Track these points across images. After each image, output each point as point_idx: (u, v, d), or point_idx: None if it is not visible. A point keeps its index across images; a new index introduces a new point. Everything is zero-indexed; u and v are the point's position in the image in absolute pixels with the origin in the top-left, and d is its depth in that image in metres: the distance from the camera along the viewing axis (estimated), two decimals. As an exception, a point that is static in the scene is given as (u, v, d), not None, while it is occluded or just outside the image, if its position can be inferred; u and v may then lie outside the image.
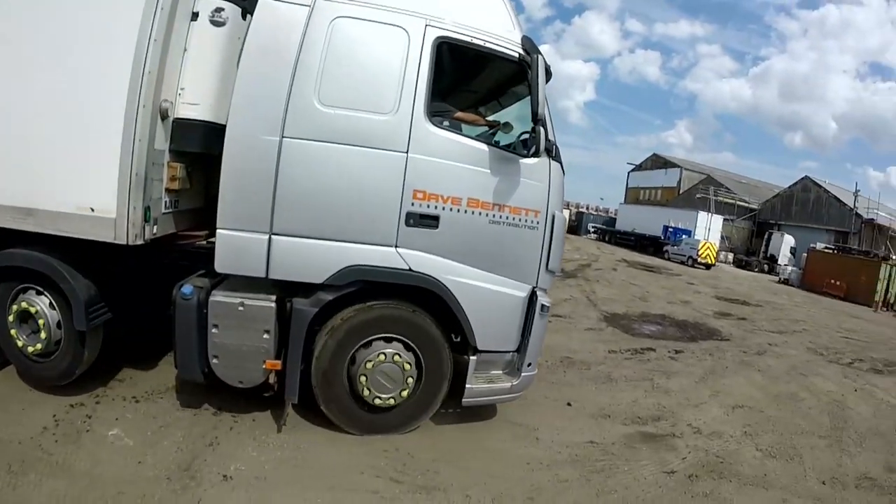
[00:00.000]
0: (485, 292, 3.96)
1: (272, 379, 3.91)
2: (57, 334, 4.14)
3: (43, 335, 4.11)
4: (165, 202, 4.02)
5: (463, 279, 3.90)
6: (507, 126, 4.48)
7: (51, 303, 4.12)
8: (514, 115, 4.88)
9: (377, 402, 3.96)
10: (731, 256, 41.33)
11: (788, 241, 37.71)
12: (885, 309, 23.90)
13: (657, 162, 63.79)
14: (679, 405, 5.85)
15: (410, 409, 4.14)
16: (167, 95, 3.87)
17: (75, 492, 3.17)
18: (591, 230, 50.45)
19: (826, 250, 32.46)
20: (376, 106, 3.75)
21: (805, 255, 32.24)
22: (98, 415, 4.07)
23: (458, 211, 3.86)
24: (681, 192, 54.65)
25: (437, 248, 3.86)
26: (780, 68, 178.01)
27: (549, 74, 4.15)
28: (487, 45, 3.94)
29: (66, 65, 3.81)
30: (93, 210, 3.75)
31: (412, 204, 3.79)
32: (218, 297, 3.80)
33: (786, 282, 30.89)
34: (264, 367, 3.82)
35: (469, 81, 5.12)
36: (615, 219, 51.20)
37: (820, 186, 43.32)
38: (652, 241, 39.28)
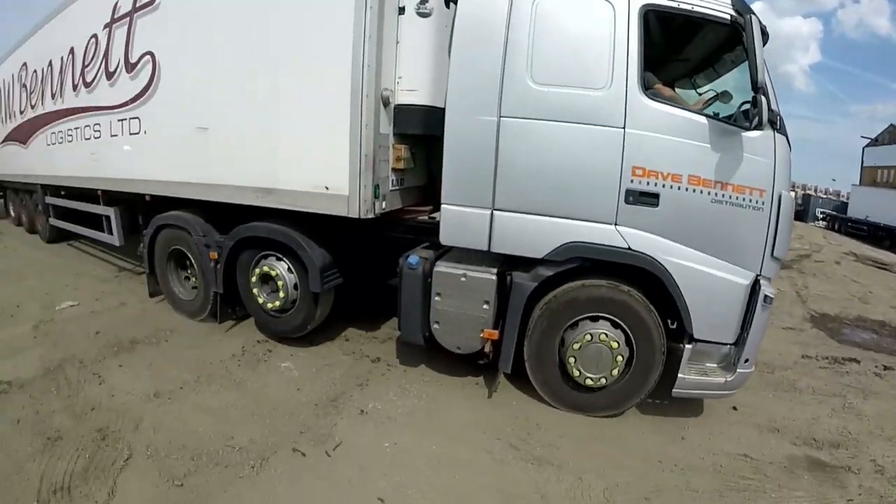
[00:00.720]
0: (705, 277, 3.80)
1: (488, 348, 4.15)
2: (293, 294, 4.94)
3: (281, 294, 4.95)
4: (392, 180, 4.47)
5: (683, 261, 3.79)
6: (725, 95, 4.22)
7: (289, 268, 4.92)
8: (731, 84, 4.58)
9: (588, 381, 4.04)
10: None
11: None
12: None
13: (896, 134, 54.20)
14: (868, 433, 4.60)
15: (618, 393, 4.14)
16: (387, 84, 4.29)
17: (242, 403, 4.22)
18: (820, 216, 44.22)
19: None
20: (589, 81, 3.75)
21: None
22: (277, 350, 5.11)
23: (679, 189, 3.73)
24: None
25: (657, 227, 3.78)
26: None
27: (765, 36, 3.82)
28: (696, 9, 3.74)
29: (301, 64, 4.43)
30: (327, 188, 4.29)
31: (631, 181, 3.75)
32: (442, 267, 4.16)
33: None
34: (482, 336, 4.09)
35: (681, 50, 4.85)
36: (847, 203, 43.92)
37: None
38: (889, 233, 33.43)
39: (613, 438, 4.02)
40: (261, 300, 5.09)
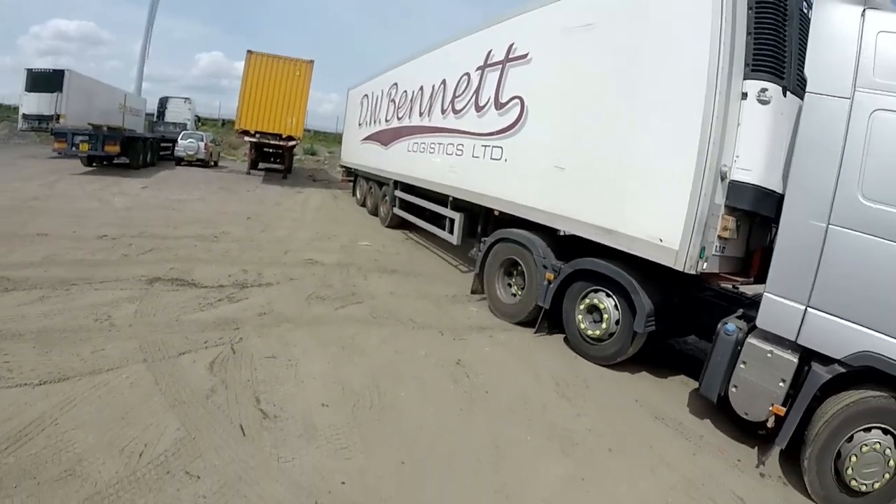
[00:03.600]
0: None
1: (771, 423, 4.71)
2: (613, 328, 6.11)
3: (603, 326, 6.17)
4: (716, 246, 5.39)
5: None
6: None
7: (615, 304, 6.10)
8: None
9: (862, 487, 4.22)
10: None
11: None
12: None
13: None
14: None
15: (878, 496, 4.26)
16: (725, 161, 5.22)
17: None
18: None
19: None
20: None
21: None
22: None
23: None
24: None
25: None
26: None
27: None
28: None
29: (653, 134, 5.65)
30: (661, 240, 5.43)
31: None
32: (754, 341, 4.85)
33: None
34: (770, 409, 4.67)
35: None
36: None
37: None
38: None
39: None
40: (583, 326, 6.41)
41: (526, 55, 7.83)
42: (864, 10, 4.27)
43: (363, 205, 17.89)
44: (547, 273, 6.81)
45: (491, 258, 8.15)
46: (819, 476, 4.39)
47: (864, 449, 4.21)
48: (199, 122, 37.80)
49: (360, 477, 3.64)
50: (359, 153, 17.64)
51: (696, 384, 5.53)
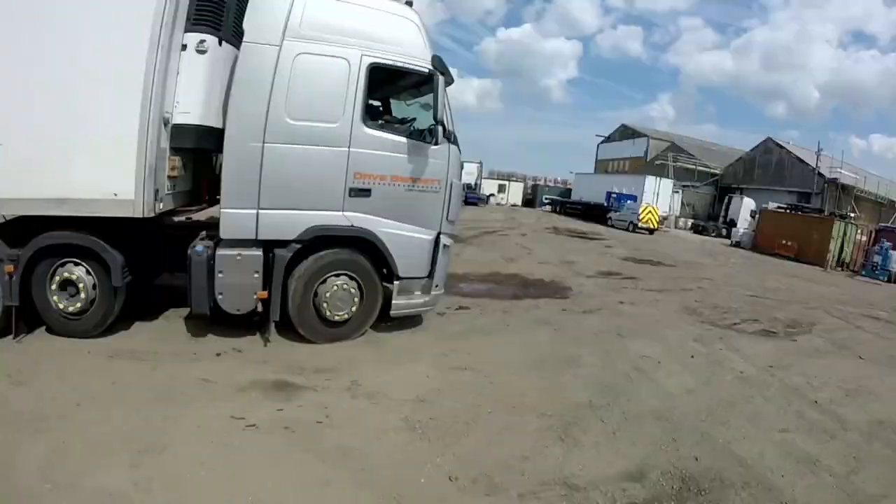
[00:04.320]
0: (404, 237, 6.25)
1: (260, 307, 6.07)
2: (92, 294, 5.96)
3: (82, 296, 5.93)
4: (167, 186, 5.90)
5: (388, 229, 6.16)
6: (414, 121, 6.69)
7: (87, 270, 5.95)
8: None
9: (336, 318, 6.22)
10: (689, 223, 43.76)
11: (748, 204, 39.08)
12: (838, 269, 25.03)
13: (625, 133, 67.17)
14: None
15: (358, 321, 6.39)
16: (167, 108, 5.71)
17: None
18: (546, 202, 53.00)
19: (778, 210, 33.80)
20: (328, 117, 5.89)
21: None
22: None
23: (384, 184, 6.09)
24: (647, 160, 57.49)
25: (370, 210, 6.08)
26: (762, 39, 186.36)
27: (451, 81, 6.51)
28: (407, 65, 6.14)
29: (96, 88, 5.57)
30: (116, 195, 5.56)
31: (353, 182, 5.99)
32: (223, 251, 5.86)
33: (737, 244, 32.49)
34: (255, 297, 5.95)
35: (395, 87, 7.32)
36: (571, 189, 53.59)
37: (782, 148, 45.57)
38: (598, 209, 40.97)
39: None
40: (61, 305, 5.94)
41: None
42: None
43: None
44: (6, 266, 6.05)
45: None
46: (303, 316, 6.18)
47: (334, 289, 6.16)
48: None
49: None
50: None
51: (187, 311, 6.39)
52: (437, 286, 6.67)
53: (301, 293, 6.07)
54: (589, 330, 8.40)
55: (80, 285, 5.94)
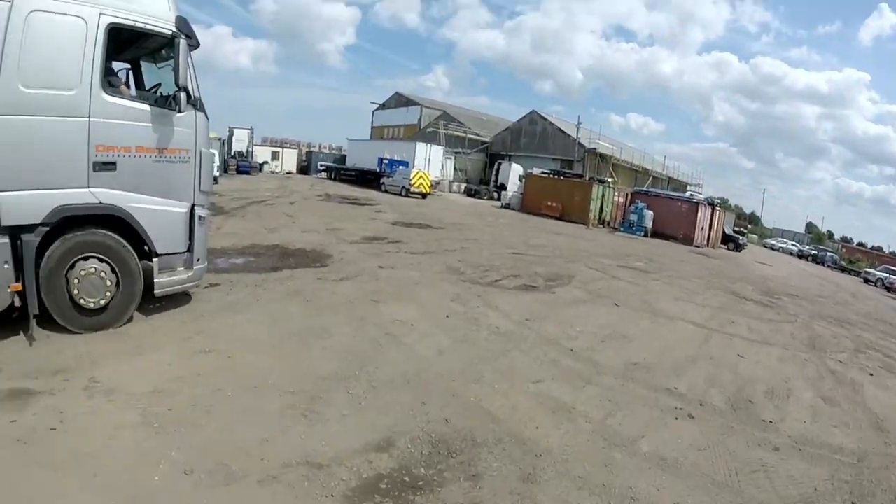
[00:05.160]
0: (157, 212, 6.12)
1: (17, 301, 5.44)
2: None
3: None
4: None
5: (139, 204, 5.98)
6: (160, 87, 6.66)
7: None
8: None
9: (90, 305, 5.81)
10: (463, 187, 47.24)
11: (517, 169, 43.33)
12: (600, 226, 29.03)
13: (400, 101, 69.46)
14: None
15: (119, 306, 6.05)
16: None
17: None
18: (321, 168, 52.99)
19: (543, 175, 37.83)
20: (65, 84, 5.42)
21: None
22: None
23: (130, 156, 5.88)
24: (421, 128, 60.38)
25: (118, 184, 5.82)
26: (533, 23, 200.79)
27: (196, 45, 6.41)
28: (148, 26, 5.91)
29: None
30: None
31: (96, 155, 5.64)
32: None
33: (507, 206, 35.88)
34: (9, 290, 5.33)
35: (139, 51, 7.05)
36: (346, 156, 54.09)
37: (546, 119, 51.61)
38: (373, 175, 42.03)
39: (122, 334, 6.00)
40: None
41: None
42: None
43: None
44: None
45: None
46: (57, 305, 5.68)
47: (84, 274, 5.73)
48: None
49: None
50: None
51: None
52: (198, 260, 6.65)
53: (50, 281, 5.60)
54: (343, 298, 8.32)
55: None
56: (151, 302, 6.57)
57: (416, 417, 4.78)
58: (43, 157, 5.40)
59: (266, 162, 52.38)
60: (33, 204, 5.39)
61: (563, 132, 49.00)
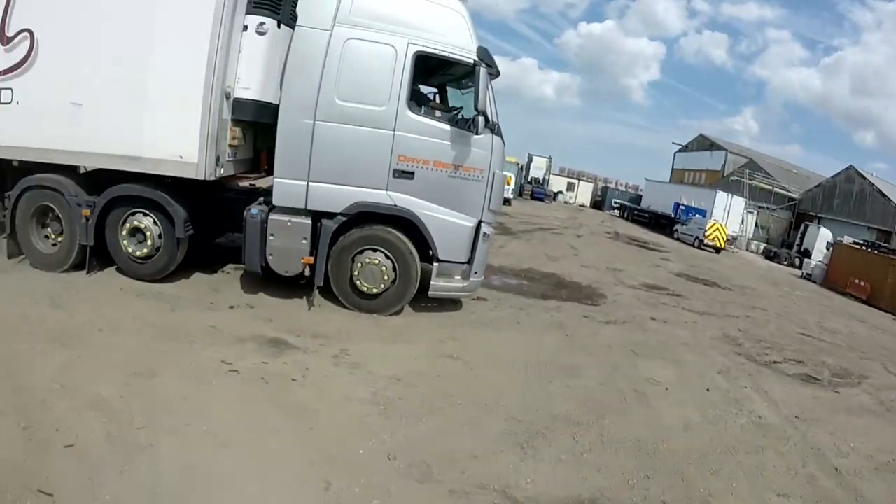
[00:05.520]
0: (445, 222, 6.64)
1: (307, 271, 6.62)
2: (157, 242, 6.82)
3: (148, 243, 6.81)
4: (228, 153, 6.59)
5: (430, 213, 6.58)
6: (462, 109, 7.09)
7: (154, 220, 6.78)
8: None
9: (365, 289, 6.71)
10: (761, 247, 42.08)
11: (825, 235, 35.86)
12: None
13: (703, 143, 64.77)
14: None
15: (391, 298, 6.84)
16: (229, 83, 6.42)
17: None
18: (614, 206, 51.72)
19: (854, 245, 31.07)
20: (375, 101, 6.39)
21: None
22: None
23: (427, 168, 6.51)
24: (723, 175, 55.43)
25: (413, 192, 6.52)
26: (853, 61, 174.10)
27: (496, 74, 6.92)
28: (451, 55, 6.56)
29: (166, 62, 6.40)
30: (182, 157, 6.33)
31: (397, 164, 6.45)
32: (275, 216, 6.50)
33: (808, 277, 30.73)
34: (302, 261, 6.54)
35: (442, 76, 7.81)
36: (641, 196, 51.90)
37: (864, 178, 42.06)
38: (666, 220, 39.70)
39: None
40: (130, 249, 6.86)
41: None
42: None
43: None
44: (83, 210, 6.87)
45: (21, 212, 7.61)
46: (338, 283, 6.81)
47: (367, 263, 6.69)
48: None
49: None
50: None
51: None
52: (475, 273, 7.02)
53: (338, 261, 6.64)
54: (603, 342, 7.93)
55: (148, 233, 6.79)
56: (423, 301, 7.20)
57: (632, 489, 4.27)
58: (351, 159, 6.42)
59: (560, 192, 53.27)
60: (337, 196, 6.46)
61: (883, 195, 39.73)
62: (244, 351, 5.47)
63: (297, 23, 6.35)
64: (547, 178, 50.48)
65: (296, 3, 6.48)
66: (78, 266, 7.22)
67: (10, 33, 7.53)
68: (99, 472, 3.58)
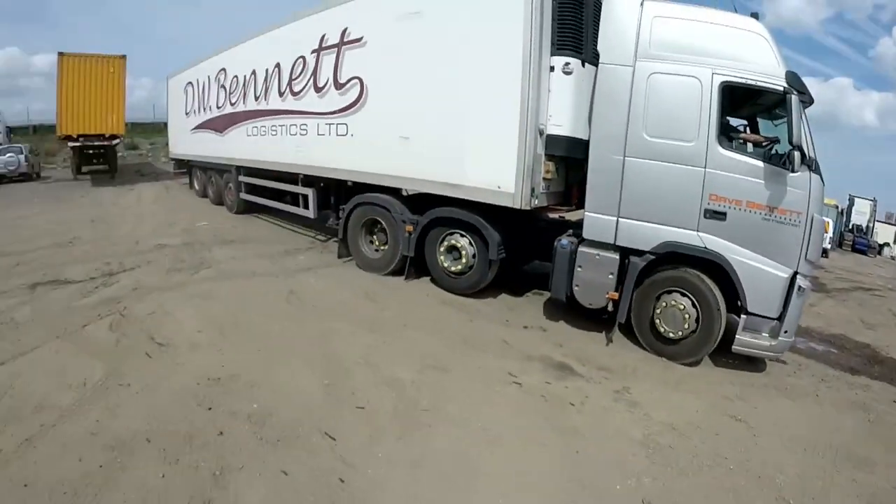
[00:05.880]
0: (758, 269, 6.09)
1: (610, 306, 6.68)
2: (471, 261, 7.67)
3: (463, 261, 7.71)
4: (542, 185, 7.06)
5: (741, 258, 6.11)
6: (777, 141, 6.44)
7: (470, 242, 7.66)
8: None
9: (663, 331, 6.45)
10: None
11: None
12: None
13: None
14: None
15: (689, 346, 6.41)
16: (542, 120, 6.88)
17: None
18: None
19: None
20: (683, 136, 6.17)
21: None
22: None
23: (740, 209, 6.07)
24: None
25: (724, 234, 6.13)
26: None
27: (810, 101, 6.26)
28: (758, 83, 6.04)
29: (483, 101, 7.16)
30: (499, 187, 6.95)
31: (708, 203, 6.12)
32: (584, 249, 6.73)
33: None
34: (607, 296, 6.62)
35: (750, 107, 7.25)
36: None
37: None
38: None
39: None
40: (446, 264, 7.91)
41: (360, 39, 8.87)
42: (642, 2, 6.25)
43: (204, 195, 17.77)
44: (406, 226, 8.08)
45: (352, 222, 9.28)
46: (639, 322, 6.68)
47: (670, 306, 6.42)
48: (11, 133, 35.88)
49: (232, 363, 5.62)
50: (190, 143, 17.47)
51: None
52: (786, 332, 6.23)
53: (641, 300, 6.57)
54: None
55: (463, 252, 7.70)
56: (724, 354, 6.59)
57: None
58: (661, 197, 6.28)
59: (888, 244, 43.59)
60: (646, 234, 6.39)
61: None
62: (530, 368, 5.89)
63: (600, 60, 6.46)
64: (871, 225, 41.49)
65: (597, 42, 6.59)
66: (396, 272, 8.62)
67: (342, 80, 9.23)
68: (379, 434, 4.48)
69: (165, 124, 22.88)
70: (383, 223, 8.76)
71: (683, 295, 6.39)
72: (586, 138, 6.77)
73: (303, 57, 10.26)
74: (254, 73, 12.45)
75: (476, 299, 7.84)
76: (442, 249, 7.91)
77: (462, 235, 7.71)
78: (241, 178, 13.82)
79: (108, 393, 4.99)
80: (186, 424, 4.52)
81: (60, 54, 22.42)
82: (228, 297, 7.75)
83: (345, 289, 8.17)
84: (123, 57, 23.85)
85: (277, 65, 11.26)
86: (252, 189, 13.56)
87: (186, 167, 19.95)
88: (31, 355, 5.74)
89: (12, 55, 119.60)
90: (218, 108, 14.74)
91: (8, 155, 26.04)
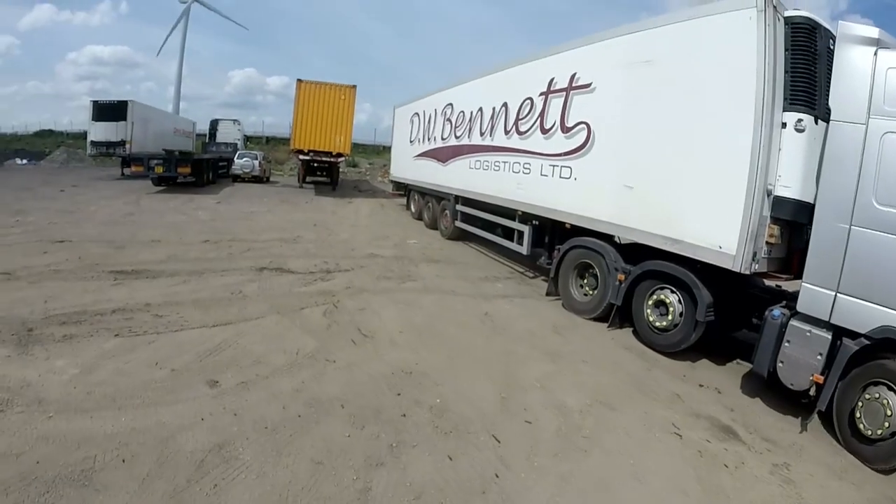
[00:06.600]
0: None
1: (812, 391, 6.06)
2: (677, 319, 7.60)
3: (669, 318, 7.66)
4: (764, 250, 6.83)
5: None
6: None
7: (679, 299, 7.61)
8: None
9: (861, 428, 5.57)
10: None
11: None
12: None
13: None
14: None
15: (886, 450, 5.34)
16: (770, 180, 6.65)
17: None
18: None
19: None
20: None
21: None
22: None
23: None
24: None
25: None
26: None
27: None
28: None
29: (709, 159, 7.10)
30: (720, 247, 6.88)
31: None
32: (795, 323, 6.22)
33: None
34: (811, 378, 5.97)
35: None
36: None
37: None
38: None
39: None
40: (651, 318, 7.91)
41: (589, 85, 9.29)
42: (876, 51, 5.64)
43: (419, 218, 19.39)
44: (619, 274, 8.34)
45: (566, 263, 9.71)
46: (840, 416, 5.79)
47: (873, 398, 5.50)
48: (248, 140, 43.48)
49: (424, 362, 6.60)
50: (412, 169, 19.28)
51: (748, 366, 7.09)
52: None
53: (845, 389, 5.77)
54: None
55: (671, 308, 7.64)
56: None
57: None
58: (886, 274, 5.51)
59: None
60: (864, 314, 5.61)
61: None
62: (694, 423, 5.82)
63: (831, 117, 5.96)
64: None
65: (829, 97, 6.07)
66: (600, 319, 8.82)
67: (569, 124, 9.66)
68: (539, 446, 4.98)
69: (384, 147, 25.62)
70: (595, 268, 9.02)
71: (890, 389, 5.43)
72: (813, 202, 6.29)
73: (531, 98, 10.94)
74: (480, 109, 13.49)
75: (669, 354, 7.76)
76: (650, 303, 7.95)
77: (672, 291, 7.69)
78: (459, 207, 14.94)
79: (315, 363, 6.28)
80: (376, 401, 5.52)
81: (299, 81, 26.86)
82: (429, 308, 8.88)
83: (535, 319, 8.81)
84: (354, 87, 27.82)
85: (505, 104, 12.09)
86: (467, 218, 14.65)
87: (404, 189, 22.07)
88: (254, 322, 7.43)
89: (251, 75, 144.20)
90: (443, 139, 16.10)
91: (245, 159, 32.28)
